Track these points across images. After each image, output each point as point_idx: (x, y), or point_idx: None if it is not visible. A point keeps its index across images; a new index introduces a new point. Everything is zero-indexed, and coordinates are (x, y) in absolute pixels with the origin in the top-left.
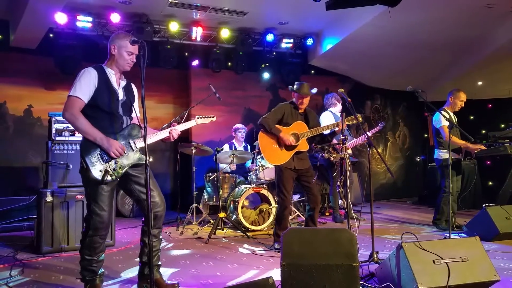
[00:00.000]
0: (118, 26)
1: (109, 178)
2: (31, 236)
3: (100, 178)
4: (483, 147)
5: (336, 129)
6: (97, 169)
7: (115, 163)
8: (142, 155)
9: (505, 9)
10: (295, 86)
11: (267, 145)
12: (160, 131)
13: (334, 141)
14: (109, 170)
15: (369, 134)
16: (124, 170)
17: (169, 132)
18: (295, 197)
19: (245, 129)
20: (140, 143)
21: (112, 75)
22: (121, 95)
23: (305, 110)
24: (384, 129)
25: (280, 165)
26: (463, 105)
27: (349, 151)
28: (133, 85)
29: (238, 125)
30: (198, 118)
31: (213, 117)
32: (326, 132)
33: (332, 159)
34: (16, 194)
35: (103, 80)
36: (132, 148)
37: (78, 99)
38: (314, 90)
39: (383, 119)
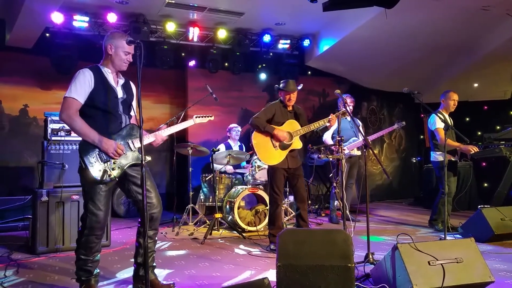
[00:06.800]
0: (114, 26)
1: (107, 178)
2: (26, 236)
3: (98, 178)
4: (476, 149)
5: (328, 124)
6: (95, 169)
7: (114, 163)
8: (140, 155)
9: (501, 12)
10: (281, 85)
11: (262, 145)
12: (150, 134)
13: (329, 141)
14: (107, 170)
15: (380, 133)
16: (123, 170)
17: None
18: (291, 198)
19: (239, 128)
20: (139, 143)
21: (109, 73)
22: (120, 93)
23: (293, 107)
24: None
25: (274, 165)
26: (456, 104)
27: (356, 152)
28: (131, 84)
29: (232, 125)
30: (196, 117)
31: (211, 116)
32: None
33: (324, 157)
34: (11, 194)
35: (100, 79)
36: (130, 148)
37: (74, 100)
38: (300, 86)
39: (380, 121)
